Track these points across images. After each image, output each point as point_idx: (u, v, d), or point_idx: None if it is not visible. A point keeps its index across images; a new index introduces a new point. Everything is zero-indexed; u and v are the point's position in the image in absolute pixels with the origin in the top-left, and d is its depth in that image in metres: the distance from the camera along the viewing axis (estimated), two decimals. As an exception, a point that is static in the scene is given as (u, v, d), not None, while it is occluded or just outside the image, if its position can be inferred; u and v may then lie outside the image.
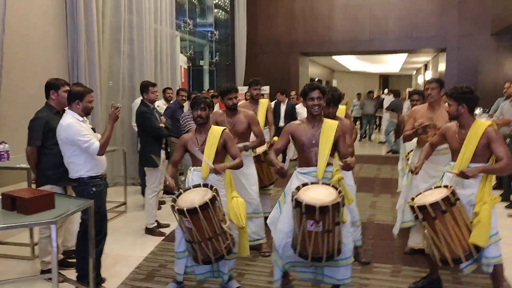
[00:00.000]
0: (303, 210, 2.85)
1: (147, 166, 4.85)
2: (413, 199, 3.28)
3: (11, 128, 4.70)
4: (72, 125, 3.38)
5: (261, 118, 4.95)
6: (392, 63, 22.87)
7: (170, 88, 7.11)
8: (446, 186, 3.22)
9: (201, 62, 12.06)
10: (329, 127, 3.32)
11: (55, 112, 3.74)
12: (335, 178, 3.27)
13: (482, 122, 3.26)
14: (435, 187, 3.33)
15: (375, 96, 14.34)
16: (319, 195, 2.97)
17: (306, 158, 3.35)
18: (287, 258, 3.21)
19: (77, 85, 3.74)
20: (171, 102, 6.81)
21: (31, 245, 4.23)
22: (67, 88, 3.78)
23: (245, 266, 3.99)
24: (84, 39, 5.73)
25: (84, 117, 3.53)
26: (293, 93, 10.06)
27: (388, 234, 4.86)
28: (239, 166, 3.57)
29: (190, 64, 10.55)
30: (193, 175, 3.49)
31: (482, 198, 3.12)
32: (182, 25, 10.18)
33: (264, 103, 5.09)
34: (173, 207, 3.08)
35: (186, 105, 6.46)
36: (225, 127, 3.60)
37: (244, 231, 3.45)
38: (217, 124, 4.13)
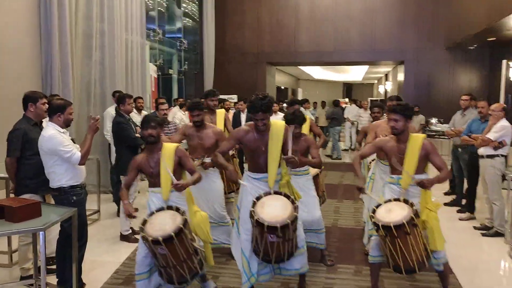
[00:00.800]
0: (265, 229, 3.04)
1: (123, 175, 5.00)
2: (374, 211, 3.38)
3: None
4: (54, 136, 3.52)
5: (219, 127, 5.00)
6: (355, 73, 23.69)
7: (141, 98, 7.25)
8: (406, 201, 3.35)
9: (170, 71, 12.20)
10: (277, 131, 3.36)
11: (33, 123, 3.85)
12: (283, 181, 3.41)
13: (417, 136, 3.51)
14: (394, 199, 3.44)
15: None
16: (276, 211, 3.11)
17: (256, 164, 3.43)
18: (253, 262, 3.34)
19: (57, 98, 3.89)
20: (142, 111, 6.98)
21: (9, 252, 4.30)
22: (45, 100, 3.91)
23: (219, 269, 4.20)
24: (58, 48, 5.81)
25: (64, 129, 3.69)
26: None
27: (350, 237, 5.23)
28: (199, 180, 3.50)
29: (160, 73, 10.68)
30: (153, 197, 3.42)
31: (426, 205, 3.36)
32: (151, 34, 10.32)
33: (221, 113, 5.24)
34: (144, 238, 3.03)
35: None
36: (178, 144, 3.54)
37: (207, 244, 3.50)
38: (185, 135, 4.35)
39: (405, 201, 3.36)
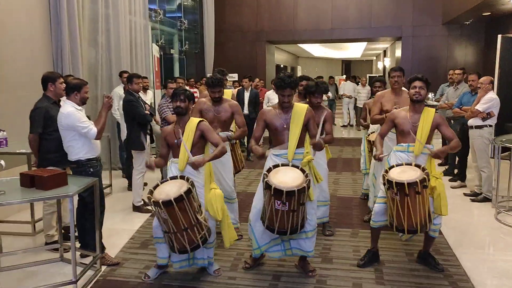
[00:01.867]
0: (272, 193, 3.18)
1: (134, 149, 5.32)
2: (387, 171, 3.54)
3: (7, 116, 5.05)
4: (72, 113, 3.83)
5: None
6: (353, 50, 23.79)
7: (146, 77, 7.53)
8: (418, 166, 3.51)
9: (172, 51, 12.39)
10: (299, 111, 3.59)
11: (52, 102, 4.15)
12: (305, 160, 3.56)
13: (430, 109, 3.72)
14: (406, 164, 3.58)
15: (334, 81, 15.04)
16: (287, 178, 3.25)
17: (278, 141, 3.64)
18: (258, 233, 3.55)
19: (73, 78, 4.19)
20: (147, 90, 7.28)
21: (32, 222, 4.67)
22: (62, 80, 4.21)
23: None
24: (67, 32, 6.05)
25: (81, 107, 3.99)
26: (256, 80, 10.51)
27: (348, 205, 5.60)
28: (221, 154, 3.58)
29: (162, 53, 10.89)
30: (172, 167, 3.58)
31: (431, 173, 3.53)
32: (153, 15, 10.48)
33: (228, 92, 5.15)
34: (149, 199, 3.21)
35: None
36: (202, 119, 3.68)
37: (225, 222, 3.57)
38: (201, 112, 4.32)
39: (417, 166, 3.52)
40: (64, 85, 4.15)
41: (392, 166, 3.59)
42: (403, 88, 4.66)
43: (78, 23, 6.29)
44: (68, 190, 3.27)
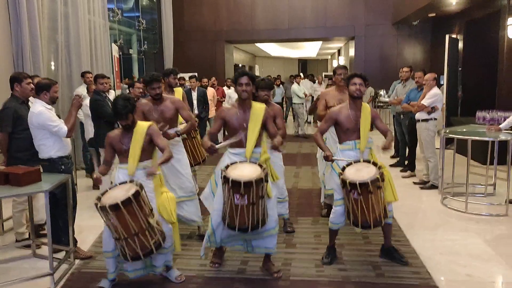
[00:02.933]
0: (230, 185, 3.18)
1: (102, 147, 5.40)
2: (344, 168, 3.61)
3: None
4: (43, 112, 3.92)
5: None
6: (309, 49, 24.40)
7: (108, 77, 7.56)
8: (374, 164, 3.60)
9: (130, 51, 12.37)
10: (257, 110, 3.63)
11: (20, 102, 4.22)
12: (262, 158, 3.61)
13: (365, 104, 3.84)
14: (354, 162, 3.64)
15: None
16: (245, 172, 3.30)
17: (237, 140, 3.62)
18: (220, 234, 3.54)
19: (43, 78, 4.27)
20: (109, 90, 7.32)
21: (0, 221, 4.68)
22: (29, 80, 4.28)
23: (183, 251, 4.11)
24: (27, 30, 6.02)
25: (51, 106, 4.08)
26: (213, 79, 10.47)
27: (308, 196, 5.94)
28: (169, 158, 3.48)
29: (121, 53, 10.88)
30: (119, 173, 3.46)
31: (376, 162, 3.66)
32: (111, 15, 10.46)
33: (178, 91, 5.23)
34: (96, 205, 3.07)
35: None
36: (151, 123, 3.57)
37: (175, 226, 3.50)
38: (143, 114, 4.17)
39: (374, 164, 3.61)
40: (31, 85, 4.22)
41: (350, 163, 3.63)
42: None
43: (38, 21, 6.26)
44: (42, 186, 3.38)
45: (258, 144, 3.65)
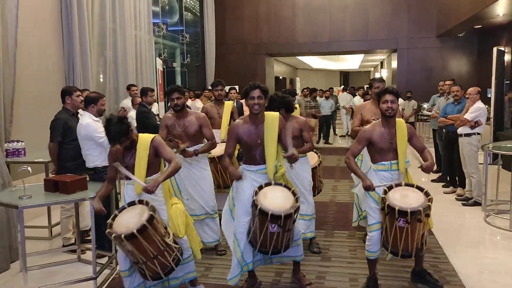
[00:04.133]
0: (269, 218, 3.04)
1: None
2: (386, 192, 3.31)
3: (24, 128, 5.37)
4: (90, 124, 4.17)
5: (225, 119, 5.10)
6: (351, 61, 24.25)
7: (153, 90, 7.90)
8: (420, 188, 3.33)
9: (174, 64, 12.78)
10: (271, 122, 3.36)
11: (71, 114, 4.50)
12: (279, 174, 3.37)
13: (401, 120, 3.53)
14: (395, 185, 3.37)
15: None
16: (279, 201, 3.15)
17: (252, 157, 3.42)
18: (248, 254, 3.33)
19: (91, 92, 4.54)
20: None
21: (49, 227, 4.96)
22: (79, 93, 4.56)
23: (211, 260, 4.22)
24: (79, 47, 6.40)
25: (98, 118, 4.33)
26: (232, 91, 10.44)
27: (346, 209, 5.90)
28: (175, 170, 3.21)
29: (164, 66, 11.27)
30: (127, 190, 3.30)
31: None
32: (156, 29, 10.88)
33: (228, 104, 5.20)
34: (110, 234, 2.90)
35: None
36: (154, 135, 3.34)
37: (191, 235, 3.38)
38: (167, 127, 4.14)
39: (418, 188, 3.34)
40: (80, 98, 4.49)
41: (391, 187, 3.34)
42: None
43: (88, 38, 6.64)
44: (88, 194, 3.58)
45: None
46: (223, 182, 4.93)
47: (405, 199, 3.21)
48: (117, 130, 3.07)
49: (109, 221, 3.01)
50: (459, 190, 6.43)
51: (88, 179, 4.28)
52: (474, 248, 4.55)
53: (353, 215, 4.87)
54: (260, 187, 3.28)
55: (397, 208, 3.12)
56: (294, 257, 3.54)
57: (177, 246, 3.16)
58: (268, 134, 3.34)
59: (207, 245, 4.26)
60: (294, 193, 3.26)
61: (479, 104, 5.77)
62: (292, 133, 3.94)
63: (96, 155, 4.25)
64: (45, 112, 4.84)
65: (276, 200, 3.16)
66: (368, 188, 3.37)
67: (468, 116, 5.73)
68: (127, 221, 2.93)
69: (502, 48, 9.85)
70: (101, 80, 7.59)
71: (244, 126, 3.41)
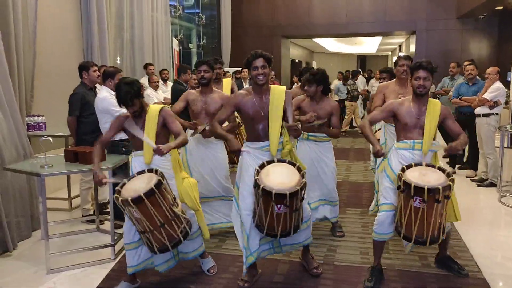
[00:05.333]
0: (273, 198, 2.83)
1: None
2: (404, 169, 3.09)
3: (44, 103, 5.50)
4: (107, 98, 4.27)
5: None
6: (369, 45, 23.89)
7: (166, 69, 8.01)
8: (441, 169, 3.09)
9: (190, 45, 12.81)
10: (277, 96, 3.16)
11: (88, 88, 4.59)
12: (285, 150, 3.19)
13: (435, 101, 3.28)
14: (415, 165, 3.14)
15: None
16: (283, 178, 2.93)
17: (255, 132, 3.20)
18: (252, 240, 3.14)
19: (109, 67, 4.63)
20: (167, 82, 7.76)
21: (69, 199, 5.12)
22: (96, 68, 4.64)
23: (223, 235, 4.20)
24: (97, 27, 6.48)
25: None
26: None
27: (359, 189, 5.94)
28: (184, 142, 3.21)
29: (180, 47, 11.31)
30: (135, 161, 3.21)
31: None
32: (172, 10, 10.90)
33: (227, 81, 5.04)
34: (117, 199, 2.86)
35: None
36: (163, 105, 3.29)
37: (199, 212, 3.31)
38: (188, 102, 4.02)
39: (440, 169, 3.10)
40: (97, 72, 4.58)
41: (410, 165, 3.11)
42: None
43: (106, 19, 6.70)
44: (106, 165, 3.68)
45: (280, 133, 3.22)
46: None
47: (424, 177, 2.95)
48: (128, 90, 3.01)
49: (117, 187, 2.97)
50: (469, 172, 6.41)
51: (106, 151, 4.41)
52: (487, 226, 4.56)
53: (371, 200, 4.87)
54: (262, 166, 3.06)
55: (413, 185, 2.88)
56: (303, 242, 3.33)
57: (186, 217, 3.08)
58: (273, 107, 3.12)
59: (221, 227, 4.16)
60: (299, 169, 3.05)
61: (498, 84, 5.70)
62: (322, 115, 3.86)
63: (112, 128, 4.34)
64: (64, 87, 4.95)
65: (279, 177, 2.93)
66: (377, 154, 3.21)
67: (487, 95, 5.67)
68: (136, 186, 2.90)
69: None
70: (118, 61, 7.67)
71: (247, 96, 3.19)
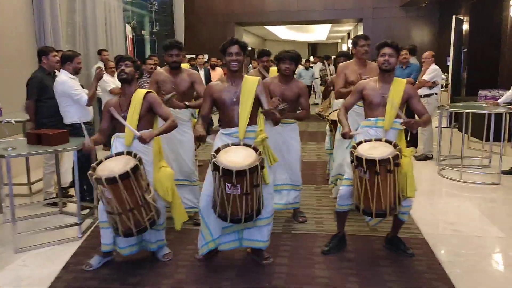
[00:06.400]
0: (220, 174, 2.82)
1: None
2: (354, 147, 3.18)
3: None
4: (66, 81, 4.33)
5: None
6: (319, 32, 24.52)
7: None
8: (389, 142, 3.17)
9: (143, 32, 12.70)
10: (250, 84, 3.21)
11: (47, 73, 4.61)
12: (258, 139, 3.17)
13: (401, 80, 3.39)
14: (375, 140, 3.24)
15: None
16: (237, 158, 2.91)
17: (228, 118, 3.25)
18: (211, 223, 3.18)
19: (67, 50, 4.66)
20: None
21: (29, 184, 5.12)
22: (55, 53, 4.66)
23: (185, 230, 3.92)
24: (49, 12, 6.39)
25: (74, 76, 4.47)
26: (213, 59, 10.31)
27: (313, 168, 6.29)
28: (170, 128, 3.25)
29: (134, 34, 11.22)
30: (117, 142, 3.26)
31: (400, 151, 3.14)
32: (123, -5, 10.78)
33: (185, 67, 4.58)
34: (90, 175, 2.86)
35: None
36: (150, 90, 3.34)
37: (175, 203, 3.32)
38: (157, 83, 3.97)
39: (388, 142, 3.20)
40: (57, 58, 4.60)
41: (361, 142, 3.23)
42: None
43: (58, 2, 6.61)
44: (70, 146, 3.77)
45: (253, 121, 3.24)
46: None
47: (372, 150, 3.09)
48: (128, 57, 3.21)
49: (93, 164, 2.99)
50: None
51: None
52: (427, 195, 5.02)
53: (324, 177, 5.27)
54: (226, 145, 3.10)
55: (355, 154, 3.06)
56: (257, 242, 3.26)
57: (156, 206, 3.10)
58: (245, 93, 3.18)
59: (192, 210, 4.08)
60: (259, 154, 3.01)
61: (434, 66, 6.22)
62: (289, 97, 3.87)
63: (73, 111, 4.41)
64: (17, 74, 4.93)
65: (233, 156, 2.94)
66: (345, 135, 3.32)
67: (426, 77, 6.17)
68: (112, 166, 2.91)
69: (461, 17, 10.34)
70: (68, 47, 7.56)
71: (220, 84, 3.28)
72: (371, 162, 2.98)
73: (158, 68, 4.47)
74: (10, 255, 3.55)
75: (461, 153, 5.60)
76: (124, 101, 3.26)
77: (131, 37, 10.21)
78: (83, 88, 4.56)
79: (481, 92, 7.41)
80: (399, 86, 3.33)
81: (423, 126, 3.42)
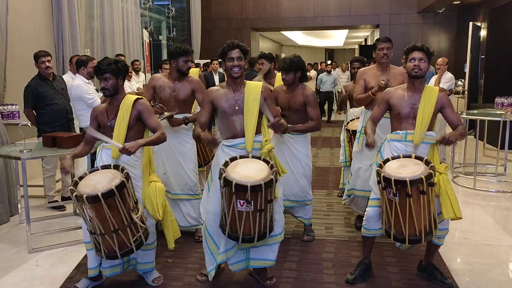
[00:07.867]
0: (233, 190, 2.57)
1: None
2: (381, 166, 2.86)
3: (16, 93, 5.56)
4: (80, 85, 4.44)
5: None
6: (336, 38, 24.46)
7: (137, 60, 8.14)
8: (420, 158, 2.83)
9: (160, 37, 12.89)
10: (253, 90, 2.94)
11: (43, 79, 4.57)
12: (264, 150, 2.92)
13: (433, 87, 3.09)
14: (403, 156, 2.90)
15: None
16: (249, 171, 2.66)
17: (230, 128, 2.95)
18: (218, 238, 2.94)
19: (82, 55, 4.78)
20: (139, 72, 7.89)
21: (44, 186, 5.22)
22: (43, 59, 4.55)
23: (187, 247, 3.74)
24: (67, 16, 6.53)
25: (89, 80, 4.57)
26: (215, 62, 9.74)
27: (325, 173, 6.29)
28: (159, 140, 2.91)
29: (151, 39, 11.39)
30: (103, 154, 2.93)
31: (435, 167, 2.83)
32: (142, 2, 10.96)
33: (195, 71, 4.49)
34: (72, 191, 2.57)
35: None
36: (140, 97, 3.01)
37: (167, 222, 3.01)
38: (154, 89, 3.67)
39: (418, 158, 2.84)
40: (46, 64, 4.55)
41: (387, 159, 2.89)
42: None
43: (76, 8, 6.77)
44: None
45: (258, 131, 2.97)
46: (202, 160, 4.40)
47: (401, 169, 2.74)
48: (108, 63, 2.84)
49: (75, 178, 2.69)
50: None
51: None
52: (440, 203, 4.96)
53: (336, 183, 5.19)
54: (233, 159, 2.82)
55: (382, 175, 2.71)
56: (265, 262, 3.01)
57: (143, 226, 2.77)
58: (249, 101, 2.90)
59: (183, 229, 3.63)
60: (272, 167, 2.78)
61: (450, 74, 6.17)
62: (294, 106, 3.61)
63: (87, 115, 4.45)
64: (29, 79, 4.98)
65: (245, 170, 2.67)
66: (369, 145, 2.95)
67: (443, 85, 6.12)
68: (96, 182, 2.59)
69: (479, 24, 10.22)
70: (88, 51, 7.73)
71: (220, 91, 2.97)
72: (401, 183, 2.65)
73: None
74: (24, 255, 3.64)
75: (475, 160, 5.53)
76: (112, 108, 2.94)
77: (148, 42, 10.36)
78: (98, 92, 4.65)
79: (498, 99, 7.29)
80: (431, 95, 2.97)
81: (460, 138, 2.91)
